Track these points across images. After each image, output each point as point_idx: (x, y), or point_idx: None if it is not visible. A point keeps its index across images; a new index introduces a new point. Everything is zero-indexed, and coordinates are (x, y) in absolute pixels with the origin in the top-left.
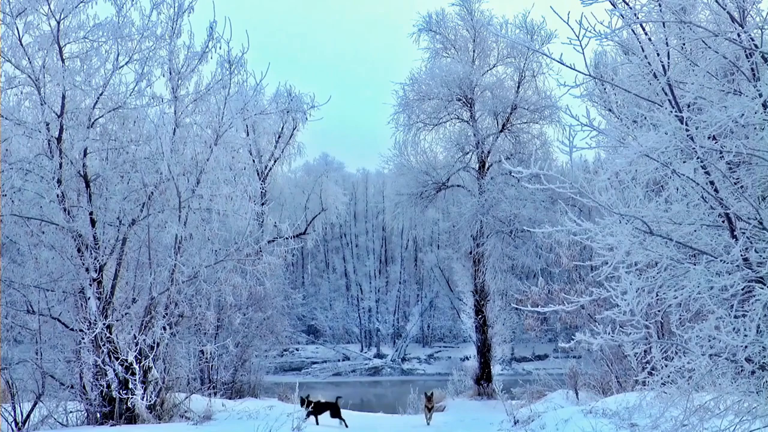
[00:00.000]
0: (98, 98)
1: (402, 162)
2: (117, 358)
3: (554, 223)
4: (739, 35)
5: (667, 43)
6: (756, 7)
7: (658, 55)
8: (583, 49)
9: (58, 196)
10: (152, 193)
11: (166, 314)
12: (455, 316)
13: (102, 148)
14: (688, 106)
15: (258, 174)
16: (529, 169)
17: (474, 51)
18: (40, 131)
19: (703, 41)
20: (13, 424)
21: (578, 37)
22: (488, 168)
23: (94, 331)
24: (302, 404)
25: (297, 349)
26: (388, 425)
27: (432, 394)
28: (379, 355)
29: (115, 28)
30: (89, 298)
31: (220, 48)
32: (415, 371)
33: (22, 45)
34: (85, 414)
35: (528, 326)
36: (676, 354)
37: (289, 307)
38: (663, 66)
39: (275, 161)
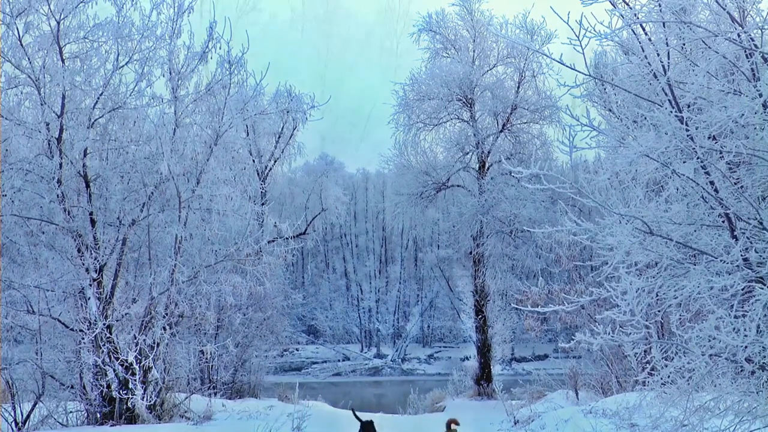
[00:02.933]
0: (98, 98)
1: (402, 162)
2: (117, 359)
3: (554, 223)
4: (739, 35)
5: (667, 43)
6: (756, 7)
7: (658, 55)
8: (583, 49)
9: (58, 196)
10: (152, 193)
11: (166, 314)
12: (455, 316)
13: (102, 148)
14: (688, 106)
15: (258, 174)
16: (529, 169)
17: (474, 51)
18: (40, 131)
19: (703, 41)
20: (13, 424)
21: (578, 37)
22: (488, 168)
23: (94, 332)
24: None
25: (297, 349)
26: (388, 425)
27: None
28: (379, 355)
29: (115, 28)
30: (89, 298)
31: (220, 48)
32: (415, 371)
33: (22, 45)
34: (85, 414)
35: (528, 326)
36: (676, 354)
37: (289, 307)
38: (663, 66)
39: (275, 161)
